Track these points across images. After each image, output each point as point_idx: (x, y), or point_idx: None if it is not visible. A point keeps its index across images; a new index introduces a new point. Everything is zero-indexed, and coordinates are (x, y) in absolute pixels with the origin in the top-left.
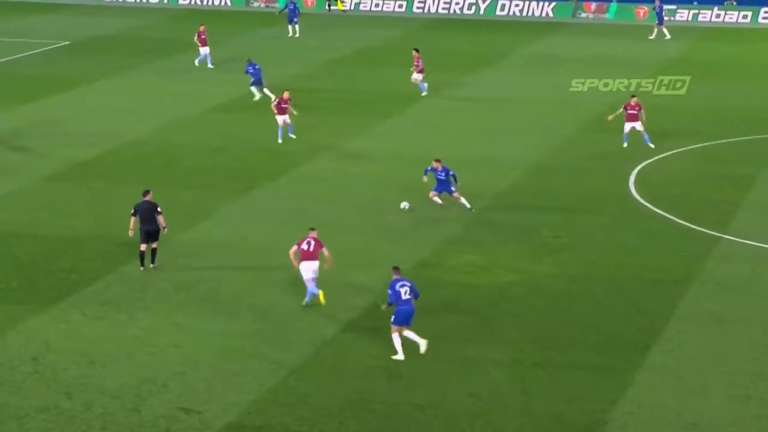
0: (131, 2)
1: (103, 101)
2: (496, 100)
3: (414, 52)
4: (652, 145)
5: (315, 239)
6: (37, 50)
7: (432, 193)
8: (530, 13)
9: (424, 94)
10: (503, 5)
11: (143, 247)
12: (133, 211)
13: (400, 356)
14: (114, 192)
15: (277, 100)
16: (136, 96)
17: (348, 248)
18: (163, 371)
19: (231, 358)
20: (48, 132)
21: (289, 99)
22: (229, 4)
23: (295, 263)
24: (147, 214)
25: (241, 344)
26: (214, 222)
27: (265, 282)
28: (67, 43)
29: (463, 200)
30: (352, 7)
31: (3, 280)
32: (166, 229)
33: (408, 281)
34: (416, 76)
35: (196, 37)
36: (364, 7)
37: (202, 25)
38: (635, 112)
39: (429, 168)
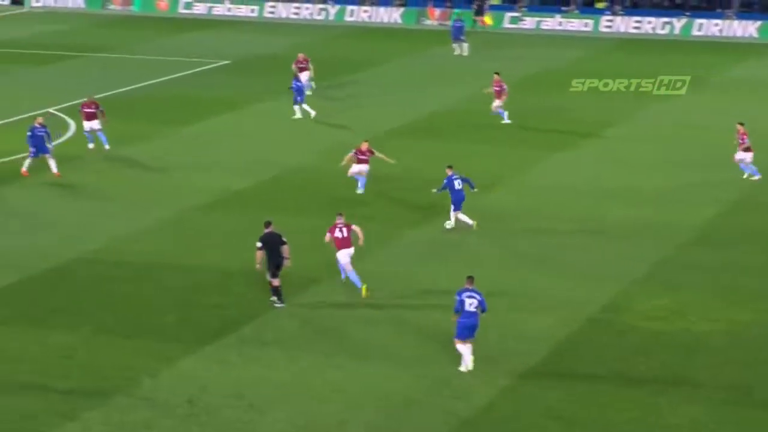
0: (295, 19)
1: (262, 124)
2: (689, 129)
3: (495, 76)
4: (755, 177)
5: (345, 224)
6: (195, 69)
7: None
8: (732, 33)
9: (505, 121)
10: (701, 25)
11: (276, 282)
12: (260, 244)
13: (464, 367)
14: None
15: (354, 150)
16: (298, 119)
17: (524, 290)
18: (324, 417)
19: (397, 405)
20: (203, 157)
21: (369, 151)
22: (399, 21)
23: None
24: (274, 246)
25: (408, 390)
26: (378, 256)
27: (430, 324)
28: (227, 62)
29: (464, 218)
30: (533, 26)
31: (157, 315)
32: (288, 262)
33: (478, 293)
34: (497, 103)
35: (295, 64)
36: (546, 25)
37: (301, 53)
38: (744, 142)
39: (445, 180)
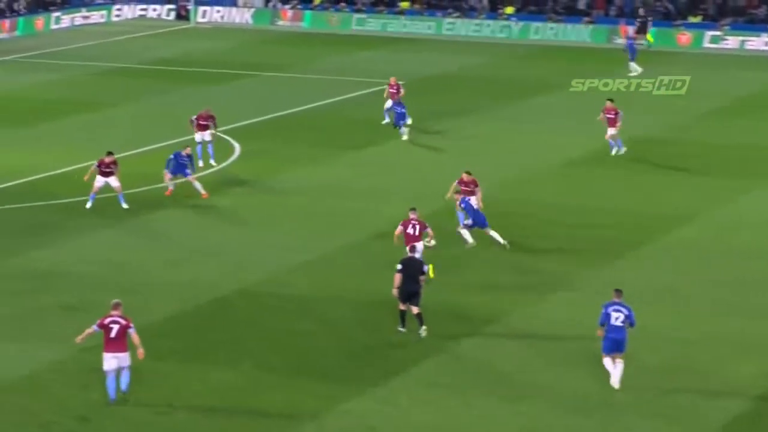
0: (475, 36)
1: (435, 149)
2: None
3: (607, 102)
4: None
5: (419, 221)
6: (366, 90)
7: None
8: None
9: (621, 151)
10: None
11: (404, 306)
12: (400, 267)
13: (614, 383)
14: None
15: (457, 182)
16: (476, 144)
17: (723, 335)
18: None
19: None
20: (373, 183)
21: (472, 182)
22: (588, 39)
23: (397, 243)
24: (413, 272)
25: None
26: (562, 297)
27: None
28: (400, 82)
29: (495, 235)
30: (737, 45)
31: (321, 353)
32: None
33: (625, 307)
34: (611, 132)
35: (388, 88)
36: (751, 45)
37: (393, 77)
38: None
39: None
